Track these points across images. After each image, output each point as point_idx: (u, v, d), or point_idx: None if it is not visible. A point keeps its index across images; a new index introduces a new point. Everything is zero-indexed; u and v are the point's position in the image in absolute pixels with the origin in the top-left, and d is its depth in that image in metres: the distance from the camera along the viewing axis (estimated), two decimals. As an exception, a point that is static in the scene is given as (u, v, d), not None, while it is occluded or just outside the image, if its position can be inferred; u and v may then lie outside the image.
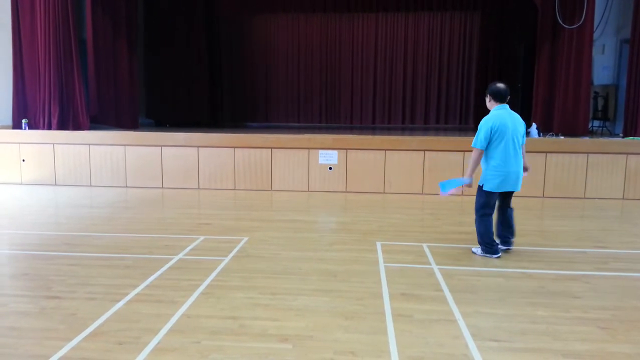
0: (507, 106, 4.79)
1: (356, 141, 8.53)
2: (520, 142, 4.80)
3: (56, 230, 5.87)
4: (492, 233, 4.87)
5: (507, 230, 5.01)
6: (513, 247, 5.04)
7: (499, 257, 4.82)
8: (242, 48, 14.17)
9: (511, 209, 5.00)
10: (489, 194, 4.77)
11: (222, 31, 14.12)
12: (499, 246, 4.95)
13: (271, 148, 8.58)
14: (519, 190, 4.86)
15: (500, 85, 4.76)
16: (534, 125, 8.77)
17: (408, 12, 13.54)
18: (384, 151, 8.41)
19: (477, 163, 4.76)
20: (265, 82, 14.28)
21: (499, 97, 4.74)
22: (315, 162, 8.52)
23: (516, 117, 4.79)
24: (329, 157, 8.50)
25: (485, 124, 4.67)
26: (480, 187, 4.85)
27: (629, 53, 9.20)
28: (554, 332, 3.25)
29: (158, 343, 3.04)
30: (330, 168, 8.49)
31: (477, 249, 4.97)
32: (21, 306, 3.60)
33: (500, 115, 4.67)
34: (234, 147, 8.65)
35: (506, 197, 4.94)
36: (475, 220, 4.92)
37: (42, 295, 3.80)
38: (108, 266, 4.48)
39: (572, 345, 3.08)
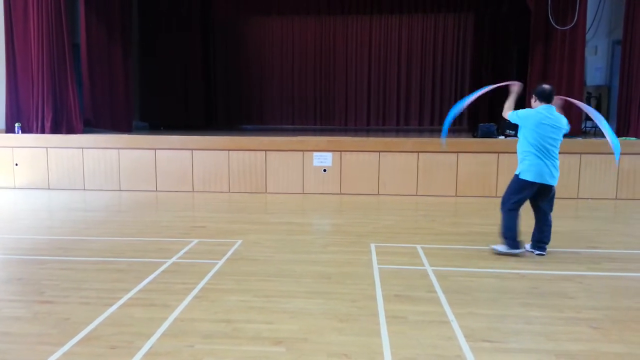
0: (553, 108, 4.85)
1: (350, 143, 8.55)
2: (559, 138, 4.85)
3: (49, 234, 5.85)
4: (514, 227, 4.90)
5: (545, 235, 5.00)
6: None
7: (523, 252, 4.90)
8: (237, 50, 14.16)
9: (548, 213, 5.00)
10: (524, 184, 4.85)
11: (216, 34, 14.12)
12: (536, 251, 5.01)
13: (265, 150, 8.58)
14: (550, 184, 4.87)
15: (546, 85, 4.88)
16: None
17: (402, 14, 13.58)
18: (378, 153, 8.43)
19: (509, 103, 5.07)
20: (259, 84, 14.27)
21: (542, 97, 4.84)
22: (310, 164, 8.53)
23: (560, 117, 4.84)
24: (323, 159, 8.51)
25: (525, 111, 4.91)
26: (516, 176, 4.93)
27: (621, 54, 9.25)
28: (547, 333, 3.26)
29: (151, 347, 3.03)
30: (324, 170, 8.50)
31: (500, 247, 4.97)
32: (14, 311, 3.59)
33: (542, 112, 4.80)
34: (228, 150, 8.64)
35: (544, 196, 4.93)
36: (503, 214, 4.95)
37: (35, 300, 3.78)
38: (101, 270, 4.46)
39: (565, 345, 3.09)
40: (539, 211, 5.02)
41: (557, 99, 4.95)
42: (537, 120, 4.77)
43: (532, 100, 4.94)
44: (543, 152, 4.77)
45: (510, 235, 4.90)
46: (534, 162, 4.79)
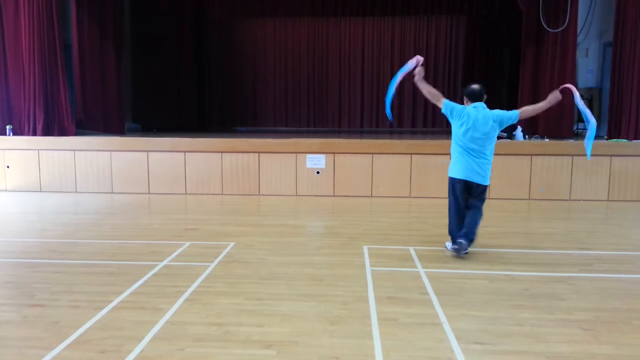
0: (483, 106, 4.91)
1: (343, 145, 8.55)
2: (487, 137, 4.85)
3: (41, 237, 5.81)
4: (452, 225, 5.04)
5: (464, 229, 4.96)
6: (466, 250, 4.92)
7: (453, 249, 4.95)
8: (230, 52, 14.15)
9: (474, 211, 4.95)
10: (451, 181, 5.00)
11: (209, 35, 14.10)
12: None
13: (258, 152, 8.57)
14: (475, 182, 4.88)
15: (474, 85, 4.99)
16: (519, 128, 8.84)
17: (395, 16, 13.62)
18: (371, 155, 8.43)
19: (427, 89, 5.16)
20: (253, 86, 14.27)
21: (472, 97, 4.95)
22: (303, 166, 8.52)
23: (487, 114, 4.84)
24: (316, 161, 8.51)
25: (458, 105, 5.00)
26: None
27: (611, 56, 9.31)
28: (538, 334, 3.27)
29: (141, 351, 3.01)
30: (317, 172, 8.49)
31: (448, 244, 5.18)
32: (3, 315, 3.56)
33: (469, 109, 4.90)
34: (221, 152, 8.62)
35: (472, 194, 4.98)
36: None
37: (25, 304, 3.76)
38: (92, 273, 4.43)
39: (555, 347, 3.10)
40: (467, 208, 5.02)
41: (557, 93, 4.84)
42: (463, 119, 4.85)
43: (465, 101, 5.03)
44: (468, 150, 4.85)
45: (451, 234, 5.08)
46: (459, 160, 4.92)
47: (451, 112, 4.96)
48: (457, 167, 4.93)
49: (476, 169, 4.86)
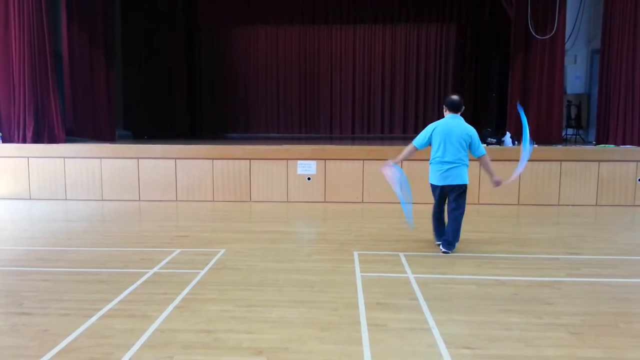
0: (459, 116, 5.20)
1: (334, 151, 8.58)
2: (464, 146, 5.13)
3: (30, 245, 5.77)
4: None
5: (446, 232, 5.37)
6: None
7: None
8: (221, 59, 14.18)
9: (451, 211, 5.26)
10: (431, 187, 5.30)
11: (201, 43, 14.12)
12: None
13: (250, 159, 8.58)
14: (447, 185, 5.20)
15: (454, 97, 5.25)
16: (508, 134, 8.91)
17: (385, 23, 13.72)
18: (362, 161, 8.46)
19: (407, 154, 5.30)
20: (244, 93, 14.29)
21: (451, 108, 5.20)
22: (294, 173, 8.54)
23: (463, 126, 5.15)
24: (307, 167, 8.53)
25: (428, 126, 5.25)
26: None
27: (599, 63, 9.43)
28: (527, 339, 3.29)
29: (130, 359, 3.00)
30: (308, 178, 8.51)
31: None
32: (-9, 324, 3.54)
33: (444, 121, 5.19)
34: (212, 159, 8.62)
35: (450, 196, 5.28)
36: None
37: (13, 312, 3.73)
38: (82, 281, 4.42)
39: (543, 351, 3.13)
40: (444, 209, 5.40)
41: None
42: (438, 129, 5.13)
43: (444, 110, 5.30)
44: (444, 156, 5.10)
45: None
46: (435, 167, 5.21)
47: (427, 134, 5.18)
48: (432, 175, 5.32)
49: (451, 173, 5.19)
